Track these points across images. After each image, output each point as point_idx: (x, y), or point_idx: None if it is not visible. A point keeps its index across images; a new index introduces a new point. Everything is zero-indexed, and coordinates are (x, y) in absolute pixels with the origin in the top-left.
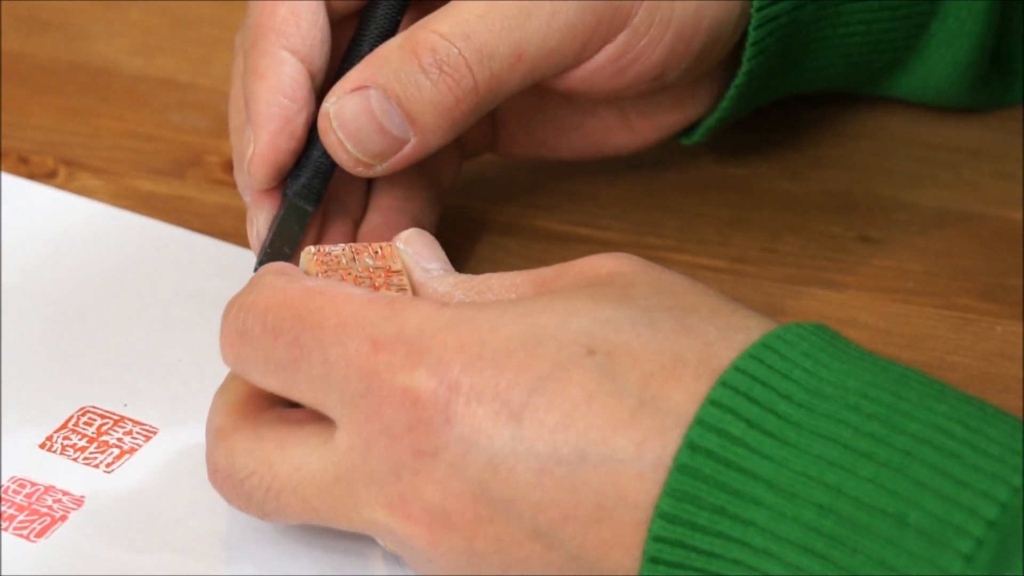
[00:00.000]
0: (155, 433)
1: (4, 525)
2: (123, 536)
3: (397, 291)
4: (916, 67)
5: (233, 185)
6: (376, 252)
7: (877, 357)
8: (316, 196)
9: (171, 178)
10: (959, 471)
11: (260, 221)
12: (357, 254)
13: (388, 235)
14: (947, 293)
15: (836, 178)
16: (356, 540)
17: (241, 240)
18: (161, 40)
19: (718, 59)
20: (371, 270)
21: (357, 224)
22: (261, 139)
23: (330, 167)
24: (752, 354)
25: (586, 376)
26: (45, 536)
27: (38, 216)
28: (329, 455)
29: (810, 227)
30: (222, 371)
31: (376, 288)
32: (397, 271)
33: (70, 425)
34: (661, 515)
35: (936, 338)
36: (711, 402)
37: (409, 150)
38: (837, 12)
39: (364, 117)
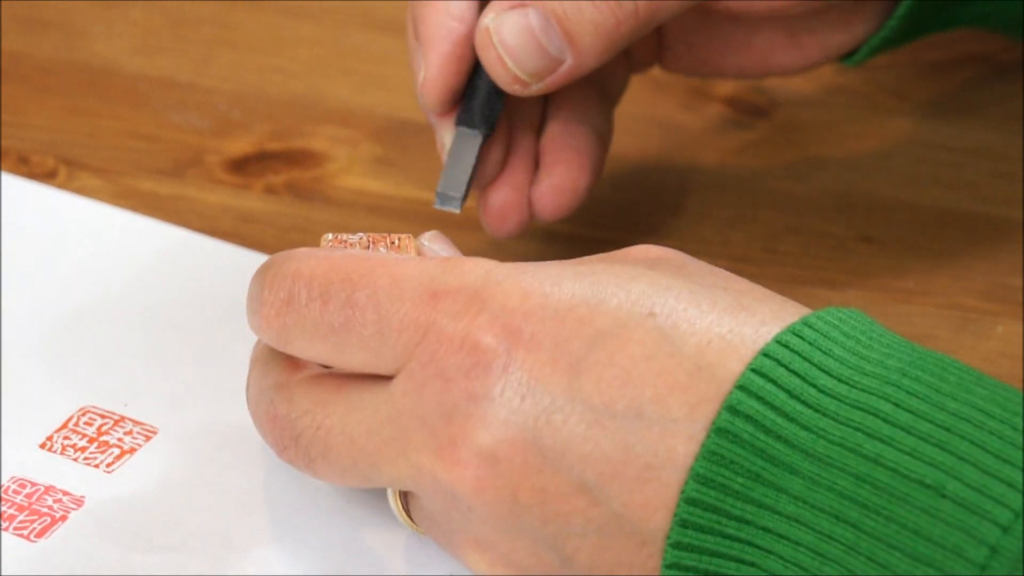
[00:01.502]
0: (155, 433)
1: (4, 525)
2: (123, 536)
3: None
4: None
5: (233, 185)
6: (393, 243)
7: (914, 344)
8: (484, 121)
9: (171, 178)
10: (998, 447)
11: (444, 139)
12: (374, 243)
13: (571, 146)
14: (947, 293)
15: (836, 178)
16: (357, 540)
17: (241, 240)
18: (161, 40)
19: None
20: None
21: (538, 134)
22: (431, 64)
23: (497, 91)
24: (794, 331)
25: (646, 336)
26: (45, 536)
27: (38, 216)
28: (384, 397)
29: (810, 227)
30: (222, 371)
31: None
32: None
33: (70, 425)
34: (695, 477)
35: (936, 338)
36: (752, 370)
37: (565, 70)
38: None
39: (523, 34)
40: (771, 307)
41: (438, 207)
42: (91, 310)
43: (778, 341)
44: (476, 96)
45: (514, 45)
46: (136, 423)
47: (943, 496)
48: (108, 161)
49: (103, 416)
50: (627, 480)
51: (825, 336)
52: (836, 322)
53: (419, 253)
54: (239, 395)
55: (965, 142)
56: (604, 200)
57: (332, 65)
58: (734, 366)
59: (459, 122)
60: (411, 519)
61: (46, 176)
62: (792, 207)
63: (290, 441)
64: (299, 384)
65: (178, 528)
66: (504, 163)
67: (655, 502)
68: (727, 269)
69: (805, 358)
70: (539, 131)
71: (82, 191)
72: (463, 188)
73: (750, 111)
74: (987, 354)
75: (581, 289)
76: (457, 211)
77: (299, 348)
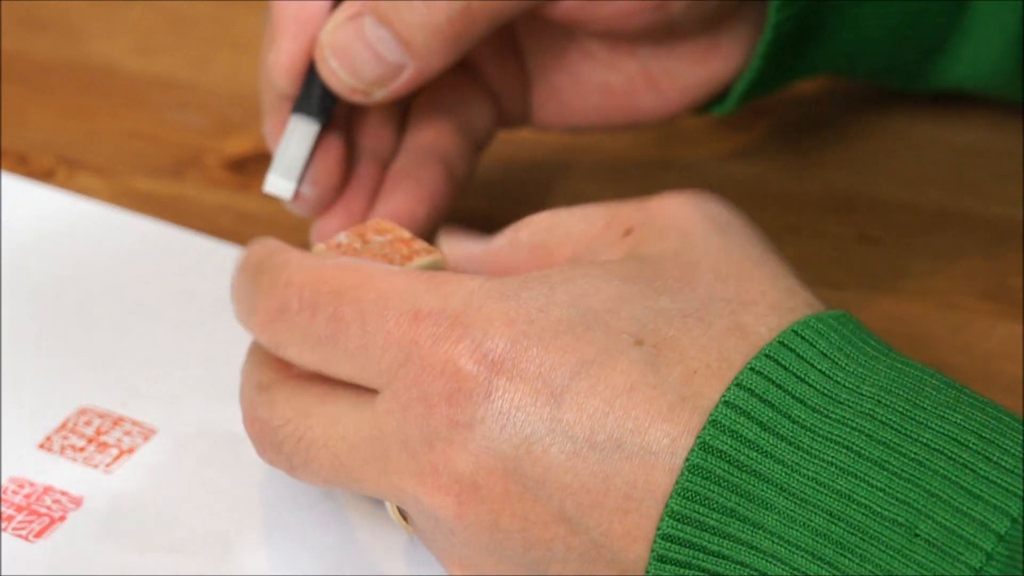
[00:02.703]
0: (154, 433)
1: (3, 525)
2: (122, 536)
3: (427, 255)
4: (962, 48)
5: (232, 185)
6: (377, 228)
7: (895, 355)
8: (322, 110)
9: (171, 178)
10: (971, 482)
11: (270, 122)
12: (363, 238)
13: (414, 176)
14: (947, 293)
15: (836, 178)
16: (356, 540)
17: (240, 240)
18: (161, 40)
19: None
20: (387, 245)
21: (385, 167)
22: (280, 43)
23: None
24: (768, 353)
25: (631, 366)
26: (44, 536)
27: (38, 216)
28: (367, 415)
29: (810, 227)
30: (221, 371)
31: (406, 260)
32: (410, 239)
33: (69, 425)
34: (670, 514)
35: (936, 338)
36: (725, 403)
37: (408, 76)
38: None
39: (358, 44)
40: (769, 326)
41: (268, 190)
42: (90, 310)
43: (751, 368)
44: (315, 84)
45: (350, 55)
46: (135, 423)
47: (916, 536)
48: (107, 161)
49: (102, 416)
50: (607, 511)
51: (800, 357)
52: (815, 337)
53: (406, 233)
54: (238, 394)
55: (965, 142)
56: (603, 200)
57: None
58: (717, 396)
59: (297, 109)
60: (404, 519)
61: (45, 176)
62: (792, 207)
63: (271, 446)
64: (282, 388)
65: (177, 528)
66: (342, 191)
67: (635, 532)
68: None
69: (779, 385)
70: (388, 160)
71: (81, 191)
72: (296, 175)
73: (750, 111)
74: (986, 354)
75: (568, 315)
76: (288, 197)
77: (291, 355)
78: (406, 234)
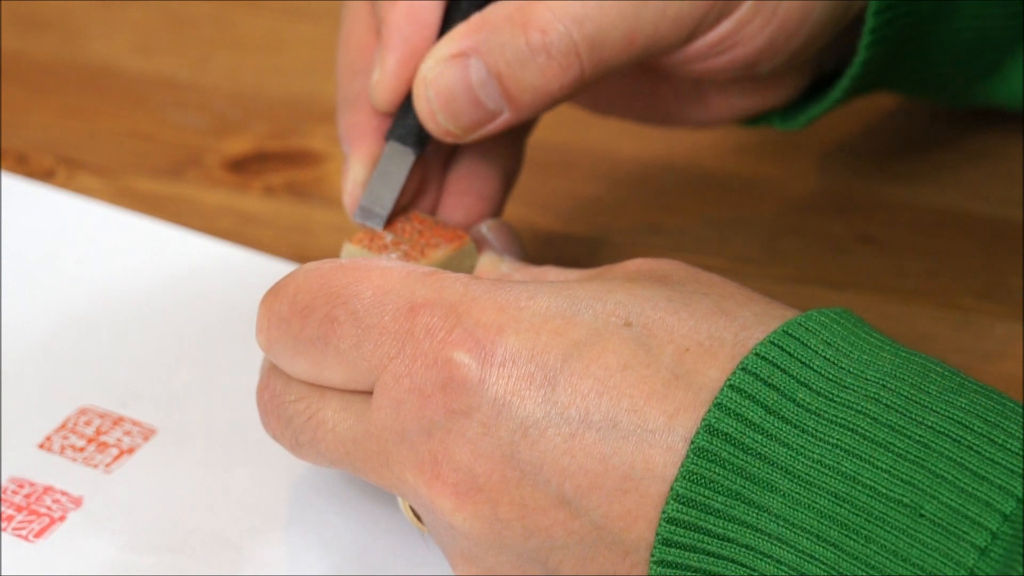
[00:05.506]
0: (154, 433)
1: (3, 525)
2: (122, 536)
3: (458, 242)
4: (1013, 70)
5: (232, 185)
6: (416, 218)
7: (898, 347)
8: (419, 140)
9: (170, 178)
10: (976, 464)
11: (356, 169)
12: (395, 230)
13: (473, 190)
14: (947, 293)
15: (836, 178)
16: (357, 540)
17: (240, 240)
18: (160, 39)
19: (813, 56)
20: (420, 234)
21: (445, 163)
22: (388, 64)
23: None
24: (773, 341)
25: (622, 345)
26: (44, 536)
27: (38, 216)
28: (365, 409)
29: (810, 227)
30: (221, 370)
31: (449, 238)
32: (443, 227)
33: (69, 425)
34: (676, 497)
35: (936, 338)
36: (731, 387)
37: (500, 123)
38: (954, 7)
39: (460, 88)
40: (753, 311)
41: (358, 220)
42: (90, 310)
43: (756, 353)
44: (412, 113)
45: (450, 99)
46: (135, 423)
47: (921, 516)
48: (107, 160)
49: (102, 416)
50: (606, 491)
51: (805, 345)
52: (818, 327)
53: (442, 222)
54: (238, 394)
55: (965, 142)
56: (604, 200)
57: (331, 65)
58: (712, 373)
59: (392, 137)
60: (418, 518)
61: (45, 176)
62: (792, 207)
63: (278, 419)
64: None
65: (177, 528)
66: (417, 192)
67: (635, 512)
68: (727, 269)
69: (784, 370)
70: (448, 161)
71: (81, 191)
72: (389, 205)
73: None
74: (986, 354)
75: (557, 302)
76: (379, 229)
77: (285, 363)
78: (441, 223)
